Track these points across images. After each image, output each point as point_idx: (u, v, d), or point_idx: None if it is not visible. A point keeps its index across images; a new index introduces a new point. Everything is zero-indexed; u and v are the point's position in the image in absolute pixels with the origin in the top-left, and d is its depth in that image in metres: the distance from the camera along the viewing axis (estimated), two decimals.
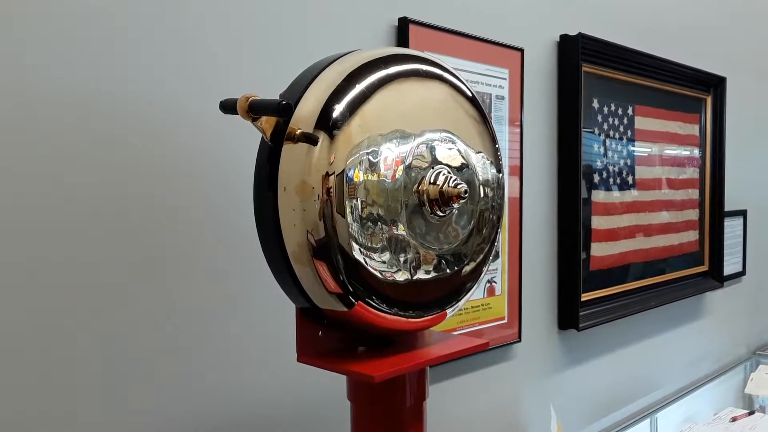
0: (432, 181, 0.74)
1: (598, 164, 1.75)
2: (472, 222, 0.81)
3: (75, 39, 0.86)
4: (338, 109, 0.69)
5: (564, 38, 1.63)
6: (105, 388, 0.89)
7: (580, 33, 1.62)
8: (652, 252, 1.97)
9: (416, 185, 0.73)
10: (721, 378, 2.36)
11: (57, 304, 0.85)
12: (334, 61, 0.74)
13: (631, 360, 1.95)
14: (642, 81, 1.90)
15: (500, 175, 0.85)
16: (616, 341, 1.89)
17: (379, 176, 0.70)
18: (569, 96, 1.63)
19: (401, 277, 0.74)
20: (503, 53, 1.45)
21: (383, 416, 0.80)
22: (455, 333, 1.34)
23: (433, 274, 0.77)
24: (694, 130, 2.18)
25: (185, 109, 0.96)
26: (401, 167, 0.72)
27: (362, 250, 0.70)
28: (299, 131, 0.69)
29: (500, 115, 1.45)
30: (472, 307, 1.39)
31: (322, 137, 0.68)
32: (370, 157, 0.70)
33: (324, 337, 0.79)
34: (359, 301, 0.72)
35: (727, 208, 2.32)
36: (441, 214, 0.75)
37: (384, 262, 0.72)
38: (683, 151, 2.13)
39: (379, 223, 0.71)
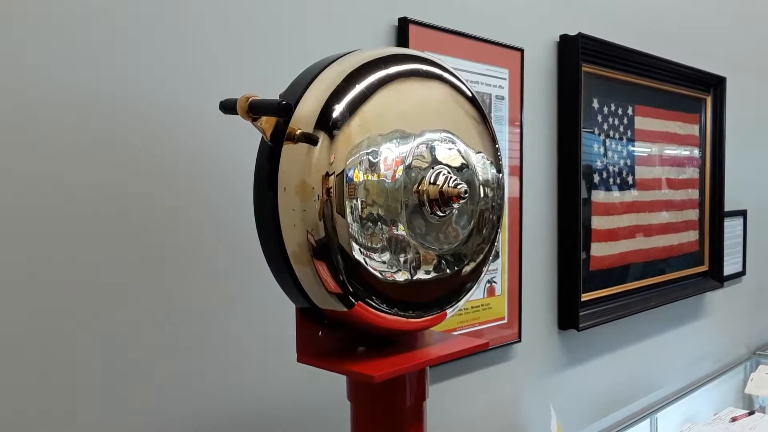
0: (432, 181, 0.74)
1: (598, 164, 1.75)
2: (472, 222, 0.81)
3: (75, 39, 0.86)
4: (338, 109, 0.69)
5: (564, 38, 1.63)
6: (105, 388, 0.89)
7: (580, 33, 1.62)
8: (652, 252, 1.97)
9: (416, 185, 0.73)
10: (721, 378, 2.36)
11: (57, 304, 0.85)
12: (334, 61, 0.74)
13: (631, 360, 1.95)
14: (642, 81, 1.90)
15: (500, 175, 0.85)
16: (616, 341, 1.89)
17: (379, 176, 0.70)
18: (569, 96, 1.63)
19: (401, 277, 0.74)
20: (503, 53, 1.45)
21: (383, 416, 0.80)
22: (455, 333, 1.34)
23: (433, 275, 0.77)
24: (693, 130, 2.18)
25: (185, 109, 0.96)
26: (401, 167, 0.72)
27: (362, 250, 0.70)
28: (299, 131, 0.69)
29: (500, 115, 1.45)
30: (472, 307, 1.39)
31: (322, 137, 0.68)
32: (370, 158, 0.70)
33: (324, 337, 0.79)
34: (359, 302, 0.72)
35: (727, 208, 2.32)
36: (441, 214, 0.75)
37: (384, 263, 0.72)
38: (683, 151, 2.13)
39: (379, 224, 0.70)
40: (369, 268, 0.71)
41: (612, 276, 1.81)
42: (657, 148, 1.99)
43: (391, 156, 0.71)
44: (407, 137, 0.73)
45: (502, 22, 1.47)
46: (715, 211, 2.25)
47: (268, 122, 0.70)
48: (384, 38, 1.23)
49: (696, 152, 2.19)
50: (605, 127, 1.77)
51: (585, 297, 1.69)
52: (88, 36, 0.87)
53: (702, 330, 2.31)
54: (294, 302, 0.77)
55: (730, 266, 2.41)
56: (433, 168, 0.75)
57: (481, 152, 0.82)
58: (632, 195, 1.88)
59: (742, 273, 2.53)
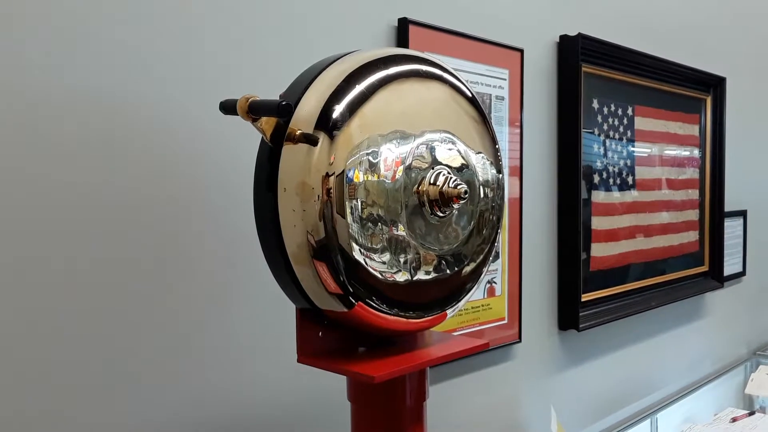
0: (432, 181, 0.74)
1: (598, 165, 1.75)
2: (472, 223, 0.81)
3: (75, 39, 0.86)
4: (338, 110, 0.69)
5: (564, 38, 1.63)
6: (105, 388, 0.89)
7: (579, 33, 1.62)
8: (652, 252, 1.97)
9: (416, 186, 0.73)
10: (722, 378, 2.36)
11: (57, 304, 0.85)
12: (334, 61, 0.74)
13: (632, 360, 1.95)
14: (642, 81, 1.90)
15: (500, 175, 0.85)
16: (617, 342, 1.89)
17: (379, 177, 0.70)
18: (569, 96, 1.63)
19: (401, 277, 0.74)
20: (503, 54, 1.45)
21: (383, 417, 0.80)
22: (455, 333, 1.34)
23: (433, 275, 0.77)
24: (693, 130, 2.18)
25: (185, 109, 0.96)
26: (401, 168, 0.72)
27: (362, 250, 0.70)
28: (299, 132, 0.69)
29: (500, 115, 1.45)
30: (473, 308, 1.39)
31: (322, 138, 0.68)
32: (370, 158, 0.70)
33: (324, 338, 0.79)
34: (359, 302, 0.72)
35: (728, 208, 2.32)
36: (441, 214, 0.75)
37: (384, 263, 0.72)
38: (683, 152, 2.13)
39: (379, 224, 0.70)
40: (369, 268, 0.71)
41: (612, 276, 1.81)
42: (657, 149, 1.99)
43: (391, 156, 0.71)
44: (407, 138, 0.73)
45: (502, 23, 1.47)
46: (715, 212, 2.25)
47: (268, 123, 0.70)
48: (384, 39, 1.23)
49: (696, 152, 2.19)
50: (605, 127, 1.77)
51: (585, 297, 1.69)
52: (88, 36, 0.87)
53: (702, 330, 2.31)
54: (294, 303, 0.77)
55: (731, 266, 2.41)
56: (433, 168, 0.75)
57: (481, 153, 0.82)
58: (632, 195, 1.88)
59: (743, 273, 2.53)
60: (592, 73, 1.70)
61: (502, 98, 1.45)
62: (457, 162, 0.78)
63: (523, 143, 1.50)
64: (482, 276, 0.85)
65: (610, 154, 1.79)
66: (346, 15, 1.16)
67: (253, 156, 0.74)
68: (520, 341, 1.52)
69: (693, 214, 2.18)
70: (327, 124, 0.68)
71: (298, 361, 0.77)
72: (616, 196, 1.81)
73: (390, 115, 0.72)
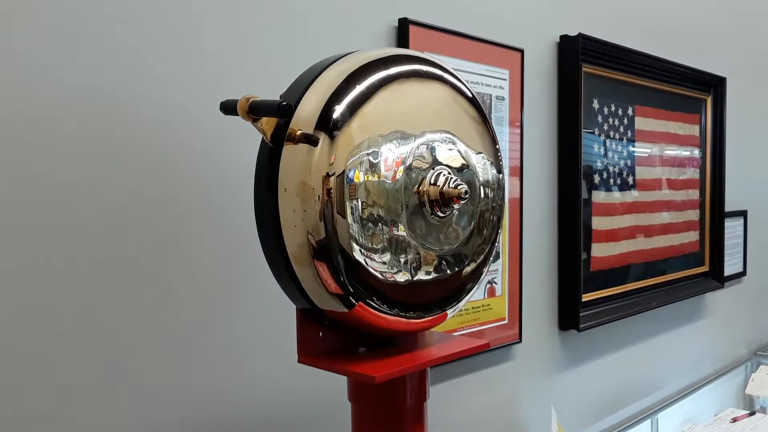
0: (432, 181, 0.74)
1: (599, 165, 1.75)
2: (473, 223, 0.80)
3: (75, 39, 0.86)
4: (338, 110, 0.69)
5: (564, 39, 1.63)
6: (105, 388, 0.89)
7: (580, 33, 1.62)
8: (652, 252, 1.97)
9: (417, 186, 0.73)
10: (722, 379, 2.36)
11: (57, 304, 0.85)
12: (335, 61, 0.74)
13: (632, 360, 1.95)
14: (642, 81, 1.90)
15: (500, 175, 0.85)
16: (617, 342, 1.88)
17: (379, 177, 0.70)
18: (569, 96, 1.63)
19: (402, 278, 0.74)
20: (503, 54, 1.45)
21: (384, 417, 0.80)
22: (456, 334, 1.34)
23: (433, 275, 0.77)
24: (694, 130, 2.18)
25: (185, 109, 0.96)
26: (402, 168, 0.72)
27: (363, 250, 0.70)
28: (300, 132, 0.69)
29: (500, 115, 1.45)
30: (473, 308, 1.39)
31: (323, 138, 0.68)
32: (371, 158, 0.70)
33: (324, 338, 0.79)
34: (360, 302, 0.72)
35: (728, 208, 2.31)
36: (441, 214, 0.75)
37: (384, 263, 0.72)
38: (683, 152, 2.13)
39: (380, 224, 0.70)
40: (369, 268, 0.71)
41: (612, 276, 1.81)
42: (657, 149, 1.99)
43: (392, 157, 0.71)
44: (407, 138, 0.73)
45: (502, 23, 1.47)
46: (715, 212, 2.25)
47: (268, 123, 0.70)
48: (384, 39, 1.23)
49: (696, 152, 2.19)
50: (605, 127, 1.77)
51: (586, 297, 1.69)
52: (88, 36, 0.87)
53: (703, 330, 2.30)
54: (294, 303, 0.77)
55: (731, 267, 2.41)
56: (433, 169, 0.75)
57: (481, 153, 0.82)
58: (633, 195, 1.88)
59: (743, 273, 2.52)
60: (592, 73, 1.70)
61: (503, 98, 1.45)
62: (457, 162, 0.78)
63: (523, 143, 1.50)
64: (483, 276, 0.85)
65: (610, 154, 1.79)
66: (346, 15, 1.16)
67: (253, 156, 0.74)
68: (520, 341, 1.52)
69: (693, 214, 2.18)
70: (327, 125, 0.68)
71: (299, 361, 0.77)
72: (616, 196, 1.81)
73: (390, 116, 0.72)
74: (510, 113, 1.47)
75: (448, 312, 0.82)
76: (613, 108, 1.80)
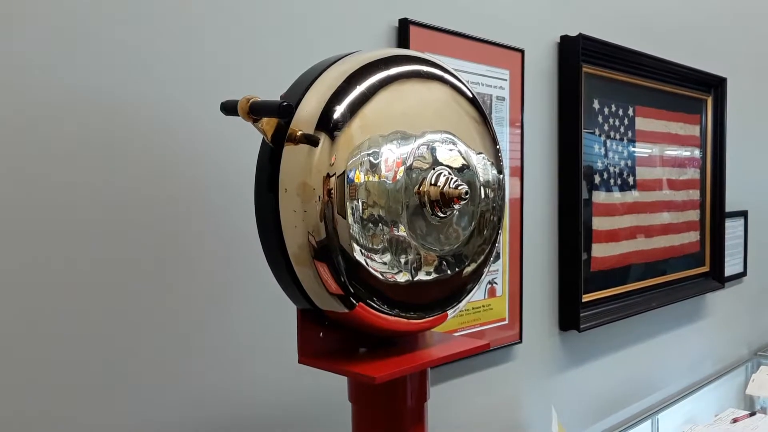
0: (433, 182, 0.74)
1: (599, 165, 1.75)
2: (473, 223, 0.80)
3: (75, 39, 0.86)
4: (339, 111, 0.69)
5: (564, 39, 1.63)
6: (105, 388, 0.89)
7: (580, 34, 1.62)
8: (653, 253, 1.97)
9: (417, 186, 0.73)
10: (722, 379, 2.36)
11: (57, 304, 0.85)
12: (335, 62, 0.74)
13: (632, 361, 1.95)
14: (642, 82, 1.90)
15: (501, 176, 0.85)
16: (618, 342, 1.88)
17: (380, 177, 0.70)
18: (570, 97, 1.63)
19: (402, 278, 0.74)
20: (504, 54, 1.44)
21: (384, 417, 0.80)
22: (456, 334, 1.34)
23: (434, 276, 0.77)
24: (694, 130, 2.18)
25: (185, 109, 0.96)
26: (402, 168, 0.72)
27: (363, 251, 0.70)
28: (300, 132, 0.69)
29: (501, 116, 1.45)
30: (473, 308, 1.39)
31: (323, 138, 0.68)
32: (371, 159, 0.70)
33: (325, 338, 0.79)
34: (360, 303, 0.71)
35: (728, 208, 2.31)
36: (442, 215, 0.75)
37: (385, 264, 0.72)
38: (684, 152, 2.13)
39: (380, 225, 0.70)
40: (370, 269, 0.71)
41: (613, 277, 1.81)
42: (658, 149, 1.99)
43: (392, 157, 0.71)
44: (408, 138, 0.73)
45: (503, 23, 1.47)
46: (716, 212, 2.25)
47: (269, 123, 0.70)
48: (384, 39, 1.23)
49: (697, 153, 2.19)
50: (606, 127, 1.77)
51: (586, 298, 1.69)
52: (88, 36, 0.87)
53: (703, 331, 2.30)
54: (295, 303, 0.77)
55: (731, 267, 2.41)
56: (434, 169, 0.75)
57: (481, 153, 0.82)
58: (633, 196, 1.88)
59: (743, 274, 2.52)
60: (592, 74, 1.70)
61: (503, 99, 1.45)
62: (458, 162, 0.78)
63: (523, 144, 1.50)
64: (483, 276, 0.85)
65: (610, 154, 1.79)
66: (346, 15, 1.16)
67: (254, 156, 0.74)
68: (520, 342, 1.52)
69: (694, 215, 2.18)
70: (328, 125, 0.68)
71: (299, 361, 0.77)
72: (616, 197, 1.81)
73: (391, 116, 0.72)
74: (510, 113, 1.47)
75: (449, 312, 0.82)
76: (613, 108, 1.79)
